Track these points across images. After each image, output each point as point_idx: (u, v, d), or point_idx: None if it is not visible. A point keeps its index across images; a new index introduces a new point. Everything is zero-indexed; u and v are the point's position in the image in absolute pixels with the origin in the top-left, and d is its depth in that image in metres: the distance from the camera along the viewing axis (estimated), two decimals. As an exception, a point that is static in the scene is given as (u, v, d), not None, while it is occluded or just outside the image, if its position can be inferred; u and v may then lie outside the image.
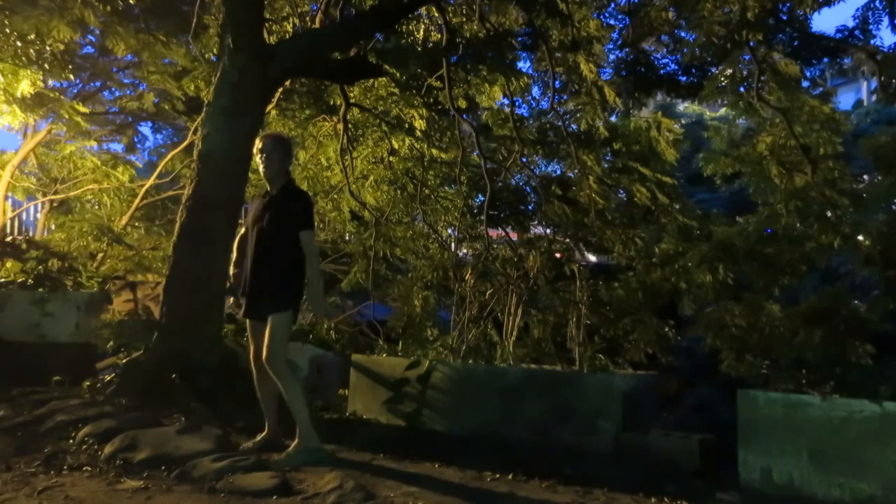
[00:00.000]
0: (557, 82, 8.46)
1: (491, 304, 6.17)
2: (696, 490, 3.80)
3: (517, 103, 8.80)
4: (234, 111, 5.41)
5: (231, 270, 4.17)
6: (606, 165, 9.42)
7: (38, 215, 11.64)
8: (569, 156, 8.80)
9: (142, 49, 8.92)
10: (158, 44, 8.82)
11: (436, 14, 7.49)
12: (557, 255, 8.62)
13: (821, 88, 8.73)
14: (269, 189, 4.13)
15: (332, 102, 8.10)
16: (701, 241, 8.11)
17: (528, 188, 10.26)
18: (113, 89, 12.73)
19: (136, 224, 11.12)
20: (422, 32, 8.04)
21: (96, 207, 10.70)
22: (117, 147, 14.36)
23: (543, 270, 6.66)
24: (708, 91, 8.25)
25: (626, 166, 9.19)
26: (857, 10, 7.66)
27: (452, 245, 9.46)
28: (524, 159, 8.73)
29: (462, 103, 7.82)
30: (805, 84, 8.29)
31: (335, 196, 8.86)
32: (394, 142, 8.30)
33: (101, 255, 9.46)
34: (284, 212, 3.99)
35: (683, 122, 15.13)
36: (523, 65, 11.22)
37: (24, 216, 12.33)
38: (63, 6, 7.53)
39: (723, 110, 13.46)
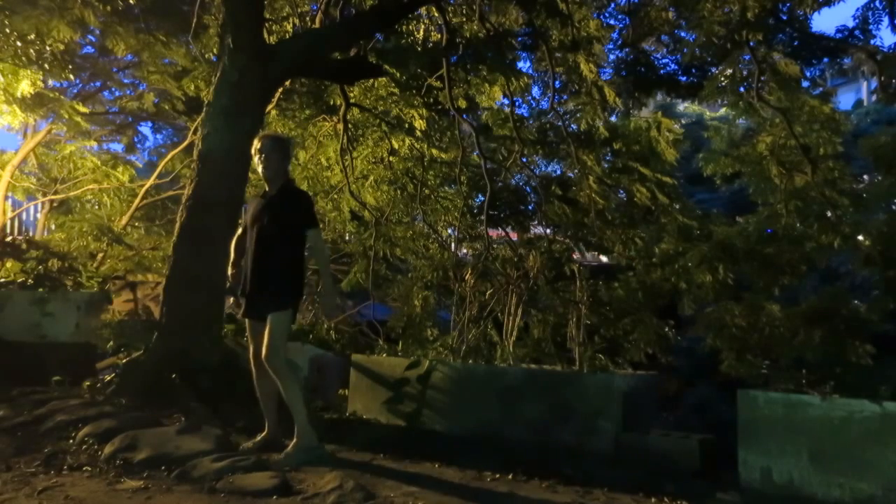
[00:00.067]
0: (557, 82, 8.47)
1: (491, 304, 6.17)
2: (696, 490, 3.80)
3: (517, 103, 8.81)
4: (234, 111, 5.41)
5: (229, 271, 4.17)
6: (606, 165, 9.42)
7: (38, 215, 11.65)
8: (569, 156, 8.80)
9: (142, 49, 8.93)
10: (158, 44, 8.83)
11: (436, 14, 7.49)
12: (572, 255, 8.62)
13: (821, 88, 8.73)
14: (267, 189, 4.13)
15: (332, 102, 8.10)
16: (701, 241, 8.10)
17: (528, 188, 10.27)
18: (113, 89, 12.74)
19: (136, 224, 11.12)
20: (422, 32, 8.04)
21: (96, 207, 10.71)
22: (117, 147, 14.38)
23: (543, 270, 6.66)
24: (708, 91, 8.25)
25: (626, 166, 9.19)
26: (857, 10, 7.68)
27: (452, 245, 9.46)
28: (524, 159, 8.73)
29: (462, 103, 7.82)
30: (805, 84, 8.29)
31: (335, 196, 8.86)
32: (394, 142, 8.30)
33: (101, 255, 9.47)
34: (284, 212, 4.00)
35: (683, 122, 15.13)
36: (523, 65, 11.24)
37: (24, 216, 12.34)
38: (63, 6, 7.53)
39: (723, 110, 13.46)
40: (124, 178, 10.59)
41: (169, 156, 11.02)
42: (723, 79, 8.14)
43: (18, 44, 7.67)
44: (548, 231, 9.26)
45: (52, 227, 10.70)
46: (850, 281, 11.06)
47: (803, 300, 7.54)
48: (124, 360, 5.50)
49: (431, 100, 8.12)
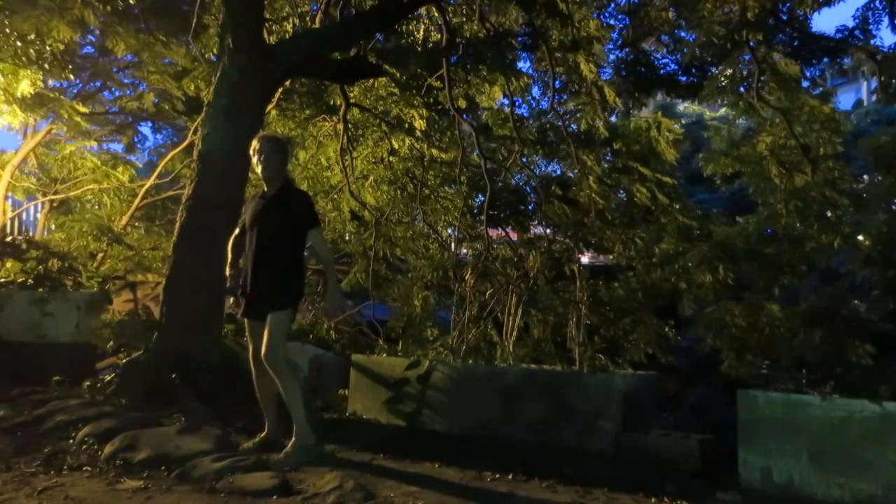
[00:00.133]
0: (557, 82, 8.47)
1: (491, 304, 6.17)
2: (696, 490, 3.79)
3: (517, 103, 8.82)
4: (234, 111, 5.41)
5: (227, 271, 4.17)
6: (606, 165, 9.43)
7: (38, 215, 11.65)
8: (569, 156, 8.80)
9: (142, 49, 8.93)
10: (158, 44, 8.83)
11: (436, 14, 7.49)
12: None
13: (821, 88, 8.73)
14: (266, 189, 4.13)
15: (332, 102, 8.10)
16: (701, 241, 8.11)
17: (528, 188, 10.27)
18: (113, 89, 12.74)
19: (136, 224, 11.12)
20: (422, 32, 8.04)
21: (96, 207, 10.71)
22: (117, 147, 14.38)
23: (543, 270, 6.66)
24: (708, 91, 8.26)
25: (626, 166, 9.19)
26: (857, 10, 7.69)
27: (452, 245, 9.46)
28: (524, 159, 8.74)
29: (462, 103, 7.82)
30: (805, 84, 8.30)
31: (335, 196, 8.86)
32: (394, 142, 8.30)
33: (101, 255, 9.47)
34: (284, 212, 4.00)
35: (683, 122, 15.13)
36: (523, 65, 11.25)
37: (24, 216, 12.33)
38: (63, 6, 7.53)
39: (723, 110, 13.46)
40: (124, 178, 10.59)
41: (169, 156, 11.02)
42: (723, 79, 8.15)
43: (18, 44, 7.67)
44: (548, 231, 9.26)
45: (52, 227, 10.71)
46: (850, 281, 11.07)
47: (803, 300, 7.56)
48: (124, 360, 5.50)
49: (431, 100, 8.12)
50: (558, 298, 6.99)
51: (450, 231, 9.58)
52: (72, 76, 9.54)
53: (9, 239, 8.37)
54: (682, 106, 18.43)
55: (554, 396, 4.92)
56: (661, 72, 9.69)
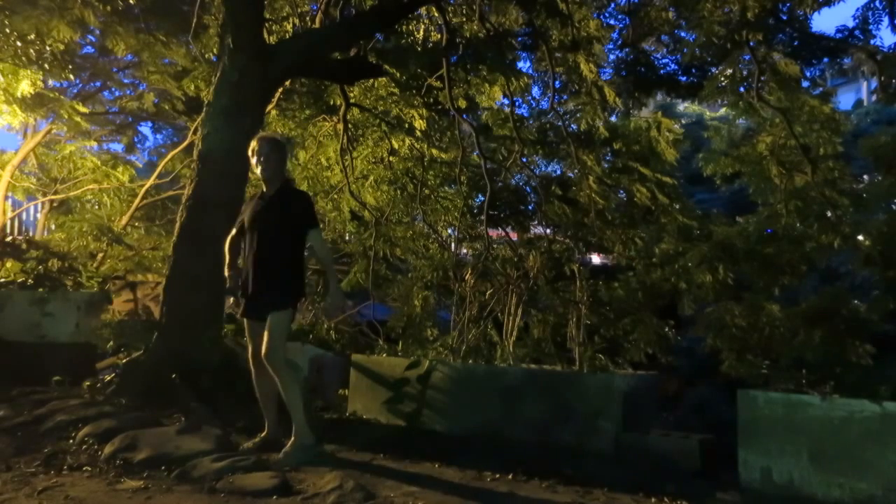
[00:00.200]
0: (557, 82, 8.47)
1: (491, 304, 6.17)
2: (696, 490, 3.79)
3: (517, 103, 8.82)
4: (234, 111, 5.41)
5: (226, 272, 4.16)
6: (606, 165, 9.43)
7: (38, 215, 11.64)
8: (569, 156, 8.80)
9: (142, 49, 8.93)
10: (158, 44, 8.83)
11: (436, 14, 7.49)
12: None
13: (821, 88, 8.73)
14: (265, 190, 4.13)
15: (332, 102, 8.10)
16: (701, 241, 8.11)
17: (528, 188, 10.27)
18: (113, 89, 12.74)
19: (136, 224, 11.12)
20: (422, 32, 8.04)
21: (96, 207, 10.71)
22: (117, 147, 14.39)
23: (543, 270, 6.66)
24: (708, 91, 8.26)
25: (626, 166, 9.19)
26: (857, 10, 7.69)
27: (452, 245, 9.46)
28: (524, 159, 8.74)
29: (462, 103, 7.82)
30: (805, 84, 8.30)
31: (335, 196, 8.86)
32: (394, 142, 8.30)
33: (101, 255, 9.47)
34: (284, 212, 4.01)
35: (683, 122, 15.15)
36: (523, 65, 11.26)
37: (24, 216, 12.33)
38: (63, 6, 7.53)
39: (723, 110, 13.47)
40: (124, 178, 10.59)
41: (169, 156, 11.02)
42: (723, 79, 8.15)
43: (18, 44, 7.67)
44: (548, 231, 9.26)
45: (52, 227, 10.71)
46: (850, 281, 11.07)
47: (803, 300, 7.55)
48: (124, 360, 5.50)
49: (431, 100, 8.12)
50: (558, 298, 6.99)
51: (450, 231, 9.58)
52: (72, 76, 9.55)
53: (9, 239, 8.37)
54: (682, 106, 18.44)
55: (554, 396, 4.92)
56: (661, 72, 9.70)
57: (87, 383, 5.47)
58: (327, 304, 4.58)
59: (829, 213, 8.10)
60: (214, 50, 7.36)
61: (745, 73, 7.93)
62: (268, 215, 4.03)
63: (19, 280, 6.54)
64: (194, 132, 8.70)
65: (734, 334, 7.14)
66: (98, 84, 12.75)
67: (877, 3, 7.41)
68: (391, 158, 8.62)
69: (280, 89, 6.92)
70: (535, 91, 9.66)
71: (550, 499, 3.49)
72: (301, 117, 8.34)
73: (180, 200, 5.83)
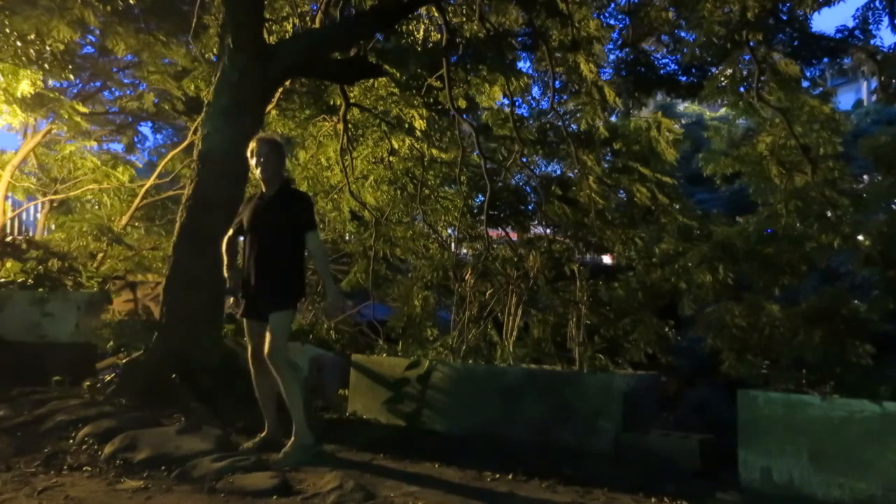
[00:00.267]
0: (557, 82, 8.47)
1: (491, 304, 6.17)
2: (696, 490, 3.79)
3: (517, 103, 8.82)
4: (234, 111, 5.41)
5: (225, 272, 4.16)
6: (606, 165, 9.43)
7: (38, 215, 11.64)
8: (569, 156, 8.80)
9: (142, 49, 8.93)
10: (158, 44, 8.83)
11: (436, 14, 7.49)
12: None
13: (821, 88, 8.73)
14: (264, 190, 4.14)
15: (332, 102, 8.10)
16: (701, 241, 8.11)
17: (528, 188, 10.28)
18: (113, 89, 12.75)
19: (136, 224, 11.12)
20: (422, 32, 8.04)
21: (96, 207, 10.71)
22: (117, 147, 14.39)
23: (543, 270, 6.66)
24: (708, 91, 8.26)
25: (626, 166, 9.19)
26: (857, 10, 7.69)
27: (452, 245, 9.46)
28: (524, 159, 8.74)
29: (462, 103, 7.82)
30: (805, 84, 8.30)
31: (335, 196, 8.86)
32: (394, 142, 8.30)
33: (101, 255, 9.47)
34: (285, 212, 4.02)
35: (683, 122, 15.16)
36: (523, 65, 11.25)
37: (24, 216, 12.33)
38: (63, 6, 7.53)
39: (723, 110, 13.47)
40: (124, 178, 10.59)
41: (169, 156, 11.02)
42: (723, 79, 8.15)
43: (18, 44, 7.67)
44: (548, 231, 9.26)
45: (52, 227, 10.70)
46: (850, 281, 11.08)
47: (803, 300, 7.55)
48: (124, 360, 5.50)
49: (431, 100, 8.12)
50: (558, 298, 6.99)
51: (450, 231, 9.58)
52: (72, 76, 9.54)
53: (9, 239, 8.37)
54: (682, 106, 18.45)
55: (554, 396, 4.92)
56: (661, 72, 9.69)
57: (87, 383, 5.47)
58: (327, 304, 4.59)
59: (829, 213, 8.10)
60: (214, 50, 7.36)
61: (745, 73, 7.93)
62: (268, 216, 4.03)
63: (19, 280, 6.54)
64: (194, 132, 8.70)
65: (734, 334, 7.15)
66: (98, 84, 12.76)
67: (877, 3, 7.41)
68: (391, 158, 8.62)
69: (280, 89, 6.92)
70: (535, 91, 9.67)
71: (550, 499, 3.49)
72: (301, 117, 8.34)
73: (180, 200, 5.83)
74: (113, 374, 5.60)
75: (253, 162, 4.10)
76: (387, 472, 3.78)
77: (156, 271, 10.06)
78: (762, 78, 7.72)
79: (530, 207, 10.19)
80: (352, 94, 7.82)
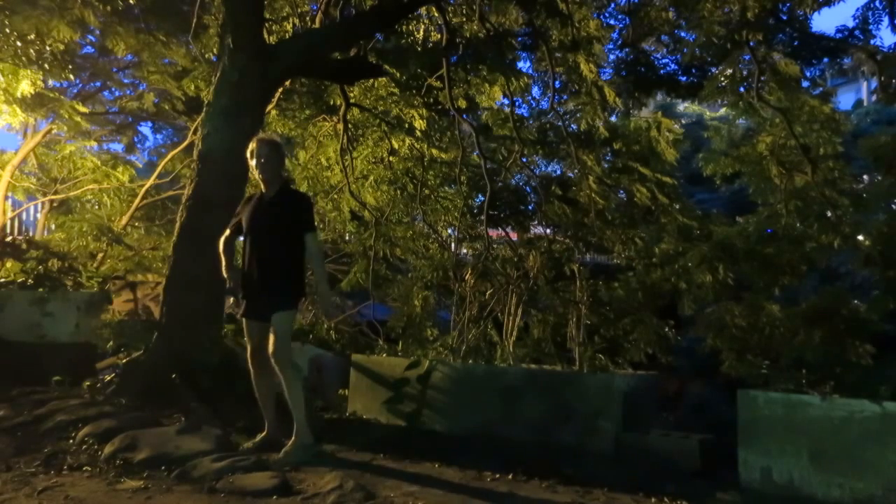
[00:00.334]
0: (557, 82, 8.47)
1: (491, 304, 6.18)
2: (696, 490, 3.79)
3: (517, 103, 8.81)
4: (234, 111, 5.41)
5: (224, 273, 4.16)
6: (606, 165, 9.42)
7: (38, 215, 11.64)
8: (569, 156, 8.80)
9: (142, 49, 8.93)
10: (158, 44, 8.83)
11: (436, 14, 7.49)
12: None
13: (821, 88, 8.74)
14: (264, 191, 4.14)
15: (332, 102, 8.10)
16: (701, 241, 8.12)
17: (528, 188, 10.28)
18: (113, 89, 12.76)
19: (136, 224, 11.12)
20: (422, 32, 8.04)
21: (96, 207, 10.71)
22: (117, 147, 14.41)
23: (543, 270, 6.67)
24: (708, 91, 8.26)
25: (626, 166, 9.19)
26: (857, 10, 7.69)
27: (452, 245, 9.46)
28: (524, 159, 8.74)
29: (462, 103, 7.82)
30: (805, 84, 8.30)
31: (335, 196, 8.86)
32: (394, 142, 8.30)
33: (101, 255, 9.47)
34: (286, 214, 4.02)
35: (683, 122, 15.17)
36: (523, 65, 11.24)
37: (24, 216, 12.32)
38: (63, 6, 7.53)
39: (723, 110, 13.48)
40: (124, 178, 10.59)
41: (169, 156, 11.02)
42: (723, 79, 8.15)
43: (18, 44, 7.67)
44: (548, 231, 9.26)
45: (52, 227, 10.70)
46: (850, 281, 11.08)
47: (803, 300, 7.55)
48: (124, 360, 5.49)
49: (431, 100, 8.12)
50: (558, 298, 6.99)
51: (450, 231, 9.58)
52: (72, 76, 9.54)
53: (9, 239, 8.37)
54: (682, 106, 18.47)
55: (554, 396, 4.92)
56: (661, 72, 9.69)
57: (87, 383, 5.46)
58: (320, 303, 4.60)
59: (829, 213, 8.10)
60: (214, 50, 7.36)
61: (745, 73, 7.93)
62: (269, 217, 4.04)
63: (19, 280, 6.54)
64: (194, 132, 8.70)
65: (734, 334, 7.15)
66: (98, 84, 12.77)
67: (877, 3, 7.41)
68: (391, 158, 8.62)
69: (280, 89, 6.91)
70: (535, 91, 9.67)
71: (550, 499, 3.49)
72: (301, 117, 8.34)
73: (180, 200, 5.83)
74: (113, 374, 5.59)
75: (253, 163, 4.10)
76: (387, 472, 3.78)
77: (156, 271, 10.06)
78: (762, 78, 7.72)
79: (530, 207, 10.19)
80: (352, 94, 7.82)
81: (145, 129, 18.33)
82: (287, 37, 7.40)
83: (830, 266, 10.80)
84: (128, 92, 12.21)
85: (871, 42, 7.89)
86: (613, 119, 9.77)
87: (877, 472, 3.46)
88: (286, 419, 3.96)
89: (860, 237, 8.10)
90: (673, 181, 9.19)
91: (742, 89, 8.06)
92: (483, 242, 7.70)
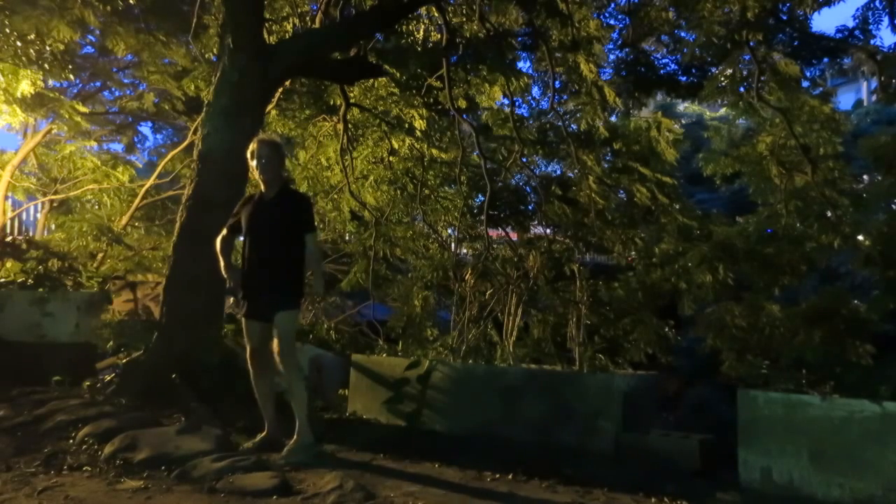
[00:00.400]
0: (557, 82, 8.47)
1: (491, 304, 6.18)
2: (696, 490, 3.79)
3: (517, 103, 8.81)
4: (234, 111, 5.41)
5: (224, 273, 4.16)
6: (606, 165, 9.43)
7: (38, 215, 11.64)
8: (569, 156, 8.80)
9: (142, 49, 8.93)
10: (158, 44, 8.83)
11: (436, 14, 7.49)
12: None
13: (821, 88, 8.74)
14: (264, 191, 4.14)
15: (332, 102, 8.10)
16: (701, 241, 8.12)
17: (528, 188, 10.27)
18: (113, 89, 12.75)
19: (136, 224, 11.12)
20: (422, 32, 8.04)
21: (96, 207, 10.71)
22: (117, 147, 14.40)
23: (543, 270, 6.67)
24: (708, 91, 8.26)
25: (626, 166, 9.19)
26: (857, 10, 7.69)
27: (452, 245, 9.46)
28: (524, 159, 8.74)
29: (462, 103, 7.82)
30: (805, 84, 8.30)
31: (335, 196, 8.86)
32: (394, 142, 8.30)
33: (101, 255, 9.47)
34: (286, 214, 4.03)
35: (683, 122, 15.17)
36: (523, 65, 11.23)
37: (24, 216, 12.32)
38: (63, 6, 7.54)
39: (723, 110, 13.48)
40: (124, 178, 10.59)
41: (169, 156, 11.03)
42: (723, 79, 8.15)
43: (18, 44, 7.67)
44: (548, 231, 9.26)
45: (52, 227, 10.70)
46: (850, 281, 11.08)
47: (803, 300, 7.55)
48: (124, 360, 5.50)
49: (431, 100, 8.12)
50: (558, 298, 6.99)
51: (450, 231, 9.58)
52: (72, 76, 9.54)
53: (9, 239, 8.37)
54: (682, 106, 18.46)
55: (554, 396, 4.92)
56: (661, 72, 9.69)
57: (87, 383, 5.47)
58: (310, 289, 4.59)
59: (829, 213, 8.11)
60: (214, 50, 7.36)
61: (745, 73, 7.93)
62: (270, 217, 4.04)
63: (19, 280, 6.54)
64: (194, 132, 8.70)
65: (734, 334, 7.15)
66: (98, 84, 12.76)
67: (877, 3, 7.41)
68: (391, 158, 8.62)
69: (280, 89, 6.91)
70: (535, 91, 9.67)
71: (550, 499, 3.49)
72: (301, 117, 8.34)
73: (180, 200, 5.83)
74: (113, 374, 5.60)
75: (253, 163, 4.10)
76: (387, 472, 3.78)
77: (156, 271, 10.06)
78: (762, 78, 7.72)
79: (530, 207, 10.19)
80: (352, 94, 7.82)
81: (145, 129, 18.35)
82: (287, 37, 7.40)
83: (830, 266, 10.81)
84: (128, 92, 12.22)
85: (871, 42, 7.90)
86: (613, 119, 9.78)
87: (877, 472, 3.46)
88: (286, 419, 3.96)
89: (860, 237, 8.10)
90: (673, 181, 9.19)
91: (742, 89, 8.06)
92: (483, 242, 7.69)
